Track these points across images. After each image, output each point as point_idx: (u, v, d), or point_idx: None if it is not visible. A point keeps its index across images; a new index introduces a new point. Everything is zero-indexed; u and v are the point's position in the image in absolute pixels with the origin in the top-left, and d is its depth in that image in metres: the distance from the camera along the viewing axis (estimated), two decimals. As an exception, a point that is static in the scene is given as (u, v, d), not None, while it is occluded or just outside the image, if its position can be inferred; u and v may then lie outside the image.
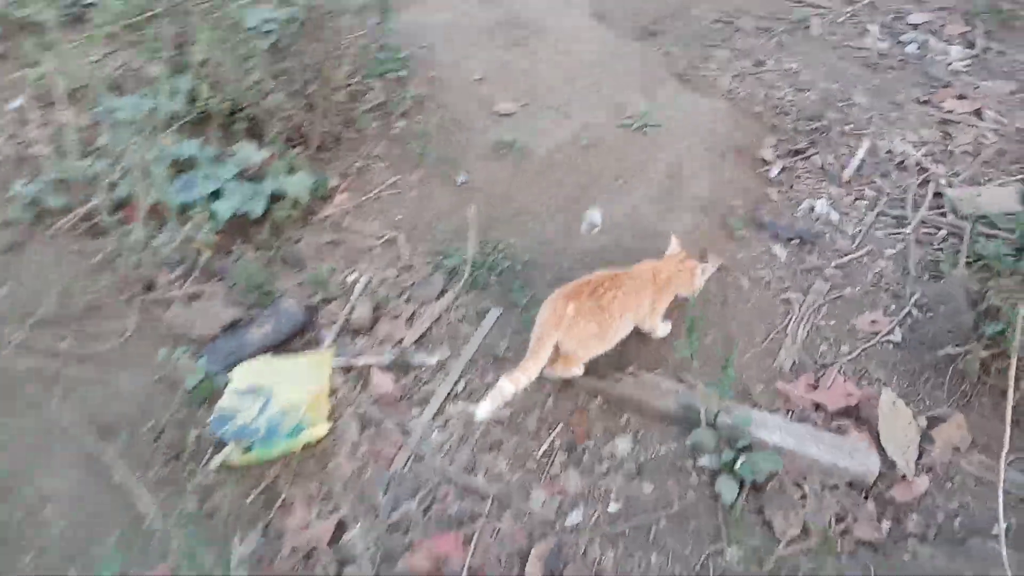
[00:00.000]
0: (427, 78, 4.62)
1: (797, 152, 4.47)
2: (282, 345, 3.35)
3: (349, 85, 4.47)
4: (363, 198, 4.09)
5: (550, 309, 2.87)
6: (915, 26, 5.78)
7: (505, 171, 4.11)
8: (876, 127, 4.65)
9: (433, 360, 3.28)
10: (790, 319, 3.49)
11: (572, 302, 2.83)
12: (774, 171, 4.31)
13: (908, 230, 3.95)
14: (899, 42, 5.59)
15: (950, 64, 5.27)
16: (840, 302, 3.58)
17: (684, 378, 3.17)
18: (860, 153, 4.45)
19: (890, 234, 3.99)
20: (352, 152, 4.34)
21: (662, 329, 3.25)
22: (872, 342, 3.38)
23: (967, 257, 3.75)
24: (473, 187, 4.07)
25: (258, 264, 3.65)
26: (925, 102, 4.87)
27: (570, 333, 2.84)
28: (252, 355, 3.20)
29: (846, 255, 3.82)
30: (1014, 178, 4.30)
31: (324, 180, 4.09)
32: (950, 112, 4.76)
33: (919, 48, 5.48)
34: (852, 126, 4.65)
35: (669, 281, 3.13)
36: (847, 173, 4.32)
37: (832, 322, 3.49)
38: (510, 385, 2.76)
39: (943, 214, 4.09)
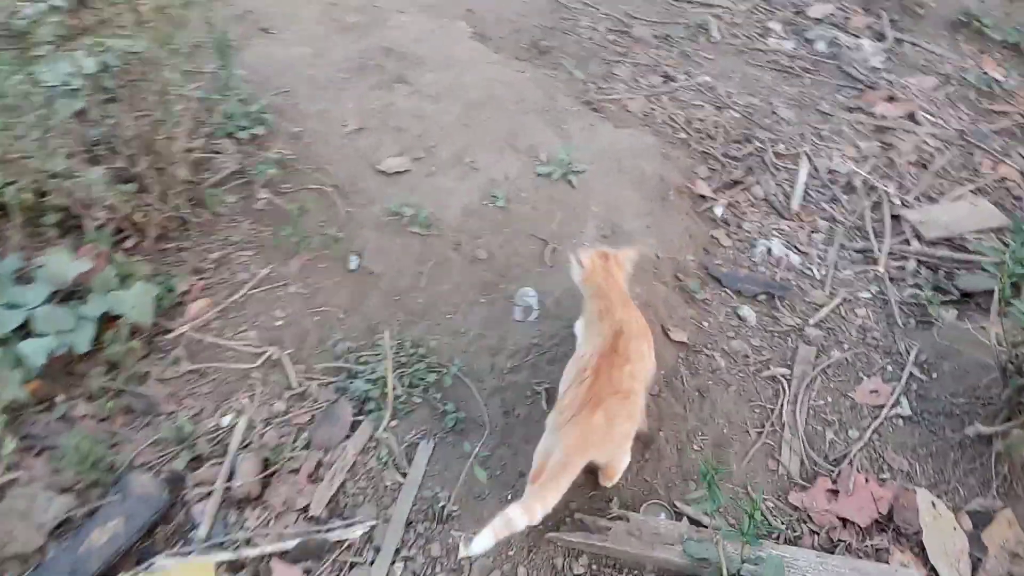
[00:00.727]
0: (291, 134, 3.73)
1: (735, 183, 3.92)
2: (140, 543, 2.44)
3: (191, 152, 3.53)
4: (228, 301, 3.18)
5: (576, 430, 2.26)
6: (818, 20, 5.40)
7: (408, 248, 3.31)
8: (811, 143, 4.19)
9: (356, 533, 2.47)
10: (782, 402, 2.90)
11: (599, 410, 2.26)
12: (718, 209, 3.73)
13: (879, 267, 3.48)
14: (806, 40, 5.19)
15: (866, 61, 4.91)
16: (832, 371, 3.04)
17: (683, 509, 2.52)
18: (801, 176, 3.96)
19: (859, 272, 3.50)
20: (206, 240, 3.40)
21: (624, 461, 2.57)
22: (880, 419, 2.85)
23: (952, 295, 3.32)
24: (370, 273, 3.25)
25: (93, 423, 2.71)
26: (854, 109, 4.47)
27: (606, 444, 2.33)
28: (101, 574, 2.29)
29: (821, 307, 3.29)
30: (966, 187, 3.94)
31: (171, 285, 3.15)
32: (883, 118, 4.37)
33: (829, 46, 5.09)
34: (785, 145, 4.16)
35: (626, 297, 2.65)
36: (794, 203, 3.81)
37: (829, 399, 2.94)
38: (523, 517, 2.12)
39: (907, 241, 3.65)
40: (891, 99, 4.50)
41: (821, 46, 5.13)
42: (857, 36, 5.22)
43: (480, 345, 2.99)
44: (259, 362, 2.96)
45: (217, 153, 3.66)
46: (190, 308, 3.15)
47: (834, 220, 3.78)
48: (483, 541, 2.04)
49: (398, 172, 3.58)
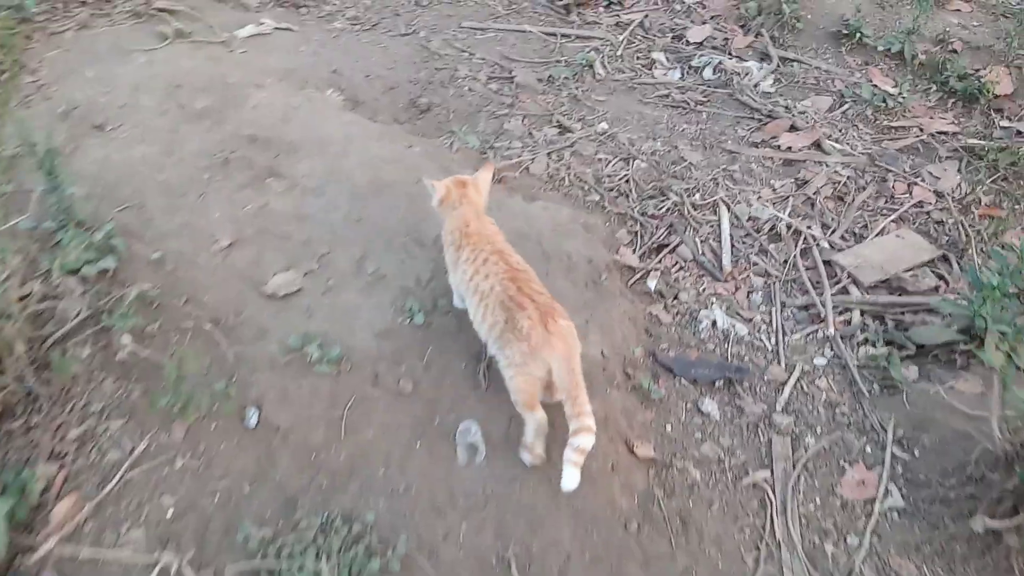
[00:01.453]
0: (150, 260, 3.10)
1: (661, 247, 3.64)
2: None
3: (25, 301, 2.87)
4: (101, 493, 2.55)
5: (557, 337, 2.39)
6: (699, 44, 5.24)
7: (317, 390, 2.79)
8: (725, 188, 3.97)
9: None
10: (770, 514, 2.62)
11: (560, 318, 2.46)
12: (651, 282, 3.43)
13: (828, 327, 3.28)
14: (692, 67, 5.00)
15: (757, 86, 4.77)
16: (812, 464, 2.78)
17: None
18: (725, 229, 3.73)
19: (808, 334, 3.29)
20: (61, 413, 2.74)
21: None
22: (874, 516, 2.62)
23: (908, 350, 3.15)
24: (275, 428, 2.70)
25: None
26: (759, 143, 4.29)
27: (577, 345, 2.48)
28: None
29: (783, 386, 3.04)
30: (888, 218, 3.82)
31: (24, 484, 2.51)
32: (790, 150, 4.21)
33: (716, 72, 4.92)
34: (700, 193, 3.92)
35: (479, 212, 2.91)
36: (725, 261, 3.57)
37: (817, 499, 2.68)
38: (590, 436, 2.29)
39: (845, 289, 3.47)
40: (793, 128, 4.36)
41: (708, 73, 4.96)
42: (741, 59, 5.09)
43: (425, 505, 2.53)
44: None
45: (59, 298, 3.01)
46: (54, 512, 2.52)
47: (767, 274, 3.56)
48: (573, 476, 2.26)
49: (289, 293, 3.04)
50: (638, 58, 5.17)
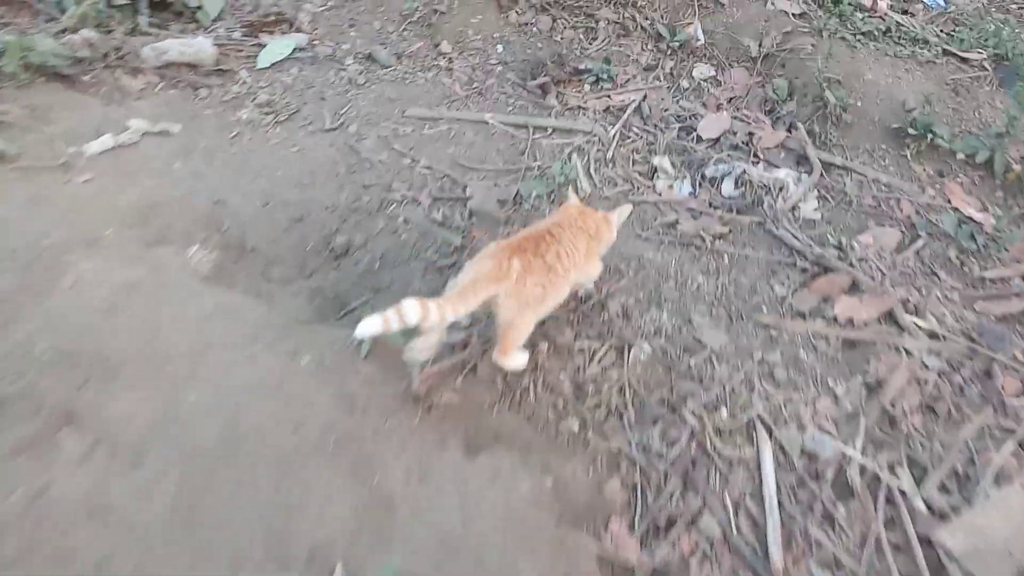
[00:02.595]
0: None
1: (671, 522, 2.40)
2: None
3: None
4: None
5: (493, 262, 2.48)
6: (713, 142, 3.98)
7: None
8: (763, 398, 2.70)
9: None
10: None
11: (517, 257, 2.49)
12: (660, 602, 2.20)
13: None
14: (706, 178, 3.76)
15: (796, 210, 3.52)
16: None
17: None
18: (768, 475, 2.48)
19: None
20: None
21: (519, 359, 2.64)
22: None
23: None
24: None
25: None
26: (807, 314, 3.04)
27: (514, 293, 2.46)
28: None
29: None
30: (1004, 446, 2.58)
31: None
32: (851, 325, 2.97)
33: (739, 186, 3.67)
34: (728, 408, 2.66)
35: (597, 230, 2.81)
36: (774, 552, 2.32)
37: None
38: (416, 307, 2.24)
39: (959, 595, 2.23)
40: (855, 287, 3.12)
41: (729, 188, 3.71)
42: (771, 164, 3.85)
43: None
44: None
45: None
46: None
47: (837, 564, 2.33)
48: (370, 323, 2.17)
49: None
50: (635, 162, 3.93)
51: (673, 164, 3.87)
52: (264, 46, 4.55)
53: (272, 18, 4.76)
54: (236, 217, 3.29)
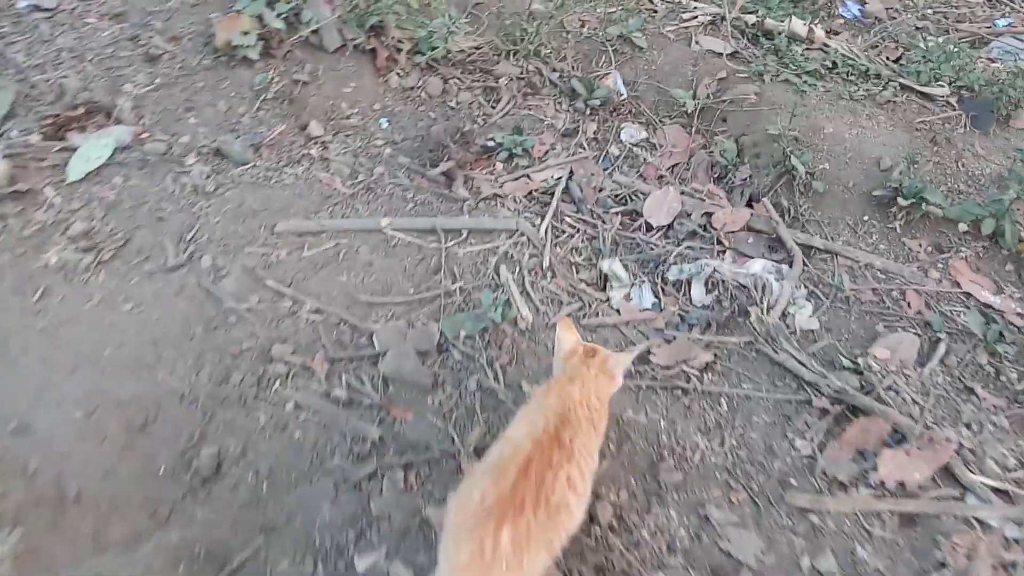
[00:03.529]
0: None
1: None
2: None
3: None
4: None
5: (465, 552, 1.74)
6: (666, 230, 3.26)
7: None
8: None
9: None
10: None
11: (507, 527, 1.73)
12: None
13: None
14: (667, 282, 3.03)
15: (786, 315, 2.85)
16: None
17: None
18: None
19: None
20: None
21: None
22: None
23: None
24: None
25: None
26: (850, 482, 2.35)
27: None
28: None
29: None
30: None
31: None
32: (904, 494, 2.30)
33: (711, 289, 2.97)
34: None
35: (600, 402, 2.12)
36: None
37: None
38: None
39: None
40: (897, 434, 2.46)
41: (699, 294, 3.00)
42: (740, 253, 3.16)
43: None
44: None
45: None
46: None
47: None
48: None
49: None
50: (578, 267, 3.14)
51: (625, 266, 3.12)
52: (75, 150, 3.46)
53: (82, 109, 3.64)
54: (47, 448, 2.27)
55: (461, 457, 2.41)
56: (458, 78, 4.01)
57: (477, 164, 3.58)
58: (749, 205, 3.37)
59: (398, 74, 3.96)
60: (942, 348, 2.76)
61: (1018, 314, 2.87)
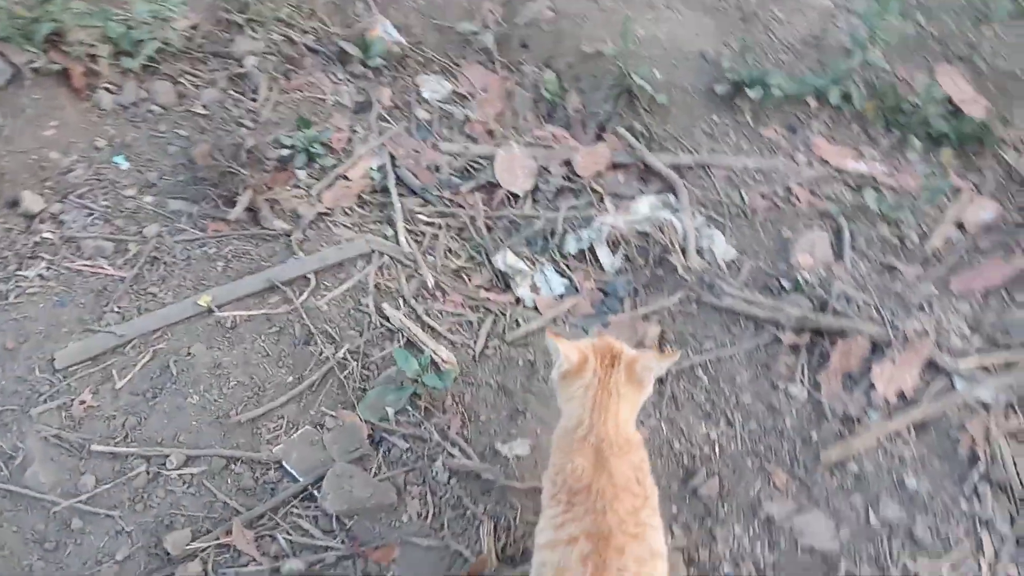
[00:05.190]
0: None
1: None
2: None
3: None
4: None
5: None
6: (533, 195, 2.85)
7: None
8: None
9: None
10: None
11: None
12: None
13: None
14: (566, 255, 2.66)
15: (701, 251, 2.64)
16: None
17: None
18: None
19: None
20: None
21: None
22: None
23: None
24: None
25: None
26: (854, 421, 2.25)
27: None
28: None
29: None
30: None
31: None
32: (903, 401, 2.26)
33: (615, 247, 2.65)
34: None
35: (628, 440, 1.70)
36: None
37: None
38: None
39: None
40: (874, 346, 2.40)
41: (608, 260, 2.65)
42: (616, 195, 2.84)
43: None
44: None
45: None
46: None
47: None
48: None
49: None
50: (468, 274, 2.64)
51: (517, 253, 2.67)
52: None
53: None
54: None
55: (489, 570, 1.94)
56: (190, 74, 3.08)
57: (275, 182, 2.82)
58: (599, 139, 3.05)
59: (107, 90, 2.94)
60: (847, 234, 2.76)
61: (886, 174, 2.95)
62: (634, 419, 1.73)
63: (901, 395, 2.32)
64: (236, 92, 3.08)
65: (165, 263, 2.56)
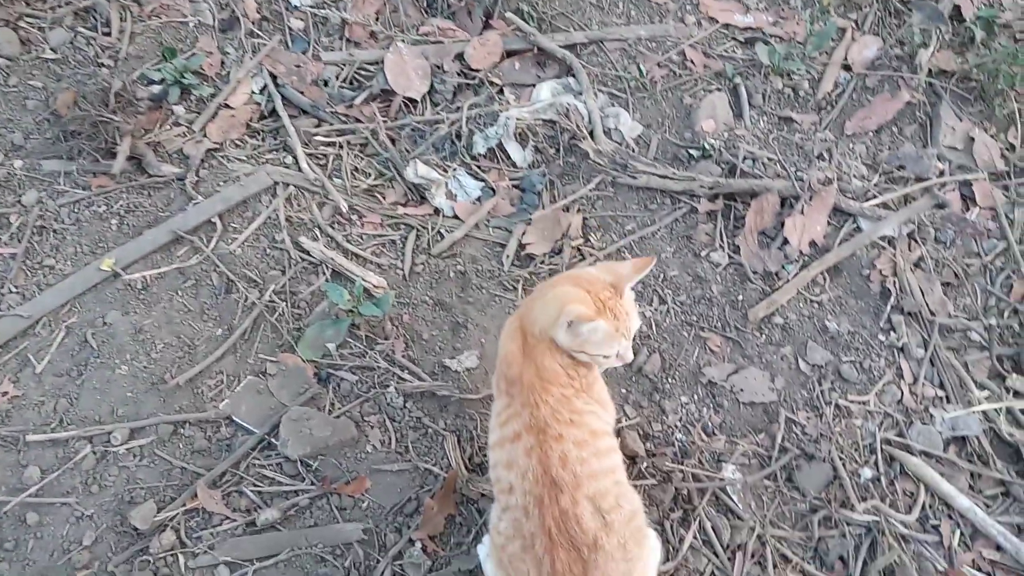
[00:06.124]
0: None
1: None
2: None
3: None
4: None
5: None
6: (432, 98, 2.75)
7: None
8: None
9: None
10: None
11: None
12: None
13: None
14: (505, 154, 2.61)
15: (611, 132, 2.64)
16: None
17: None
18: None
19: None
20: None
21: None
22: None
23: None
24: None
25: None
26: (774, 274, 2.37)
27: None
28: None
29: None
30: None
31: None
32: (826, 252, 2.39)
33: (530, 144, 2.62)
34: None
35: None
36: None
37: None
38: None
39: None
40: (782, 199, 2.48)
41: (519, 155, 2.61)
42: (516, 84, 2.78)
43: None
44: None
45: None
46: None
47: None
48: None
49: None
50: (379, 191, 2.55)
51: (427, 163, 2.60)
52: None
53: None
54: None
55: (460, 482, 2.01)
56: (29, 16, 2.75)
57: (152, 123, 2.62)
58: (487, 27, 2.94)
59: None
60: (743, 92, 2.80)
61: (772, 23, 2.98)
62: None
63: (813, 244, 2.46)
64: (86, 28, 2.79)
65: (54, 231, 2.39)
